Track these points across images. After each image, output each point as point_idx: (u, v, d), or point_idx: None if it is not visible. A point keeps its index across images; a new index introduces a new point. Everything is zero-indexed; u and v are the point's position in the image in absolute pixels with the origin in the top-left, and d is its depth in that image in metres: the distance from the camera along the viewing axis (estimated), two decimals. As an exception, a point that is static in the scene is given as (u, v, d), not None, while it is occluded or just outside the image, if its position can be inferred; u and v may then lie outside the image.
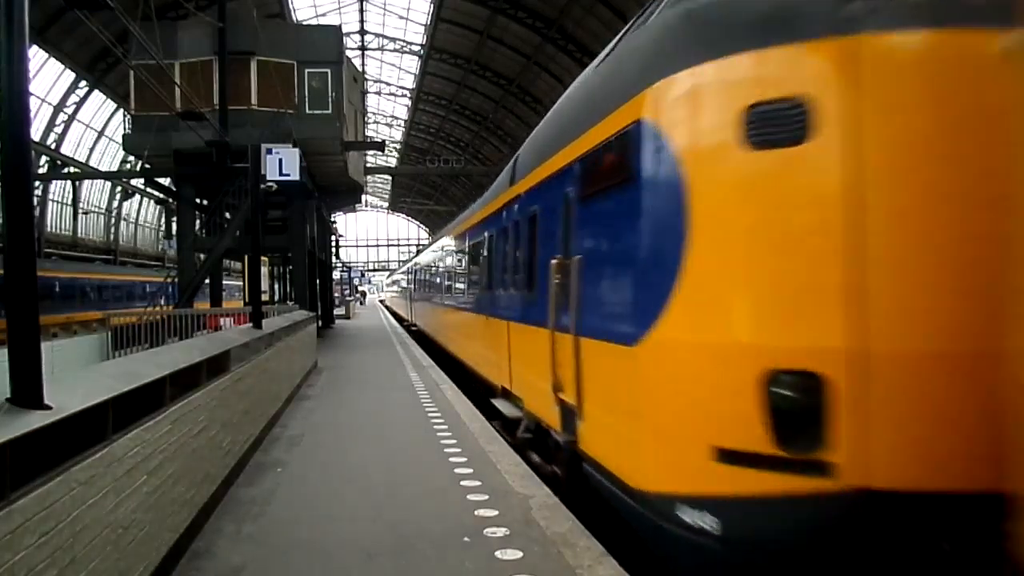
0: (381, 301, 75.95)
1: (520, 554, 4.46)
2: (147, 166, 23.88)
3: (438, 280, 18.83)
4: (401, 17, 41.57)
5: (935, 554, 3.23)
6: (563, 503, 5.53)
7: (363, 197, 50.99)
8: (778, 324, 3.56)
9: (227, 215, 20.53)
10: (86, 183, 41.13)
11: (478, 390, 10.87)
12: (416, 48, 44.00)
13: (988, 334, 3.00)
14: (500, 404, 8.82)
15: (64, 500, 2.88)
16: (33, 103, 3.74)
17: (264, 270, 24.62)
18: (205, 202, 22.20)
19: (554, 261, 5.83)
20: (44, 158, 34.00)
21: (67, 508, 2.90)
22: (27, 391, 2.92)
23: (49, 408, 2.92)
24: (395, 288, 51.20)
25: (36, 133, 32.72)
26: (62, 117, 35.12)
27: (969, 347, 3.22)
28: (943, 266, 3.31)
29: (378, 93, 52.76)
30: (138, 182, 41.18)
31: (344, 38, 25.99)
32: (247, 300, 17.59)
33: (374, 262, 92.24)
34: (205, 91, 19.40)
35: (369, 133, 50.83)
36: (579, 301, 5.21)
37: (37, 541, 2.64)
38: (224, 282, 26.27)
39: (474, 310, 11.44)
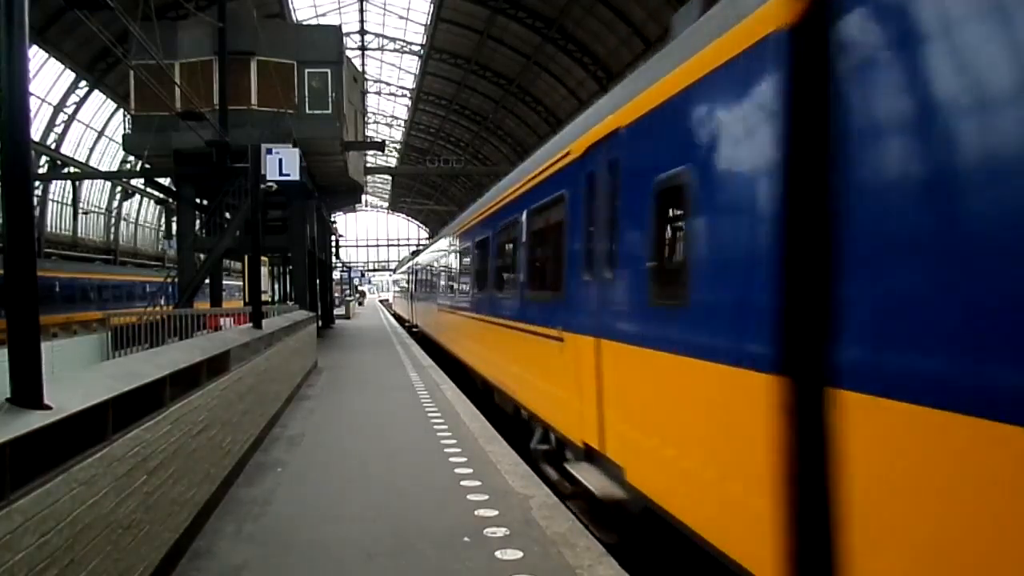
0: (383, 302, 73.61)
1: (520, 554, 4.46)
2: (147, 166, 23.88)
3: None
4: (401, 17, 41.63)
5: None
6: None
7: (363, 197, 50.94)
8: None
9: (227, 215, 20.53)
10: (86, 183, 41.14)
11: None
12: (416, 48, 44.01)
13: None
14: None
15: (64, 500, 2.87)
16: (33, 103, 3.75)
17: (264, 270, 24.61)
18: (205, 202, 22.20)
19: None
20: (44, 158, 33.99)
21: (67, 508, 2.90)
22: (27, 391, 2.92)
23: (49, 408, 2.92)
24: (430, 270, 20.41)
25: (36, 133, 32.72)
26: (62, 117, 35.11)
27: None
28: None
29: (378, 93, 52.77)
30: (138, 182, 41.20)
31: (344, 38, 25.98)
32: (247, 300, 17.58)
33: (374, 262, 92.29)
34: (205, 91, 19.41)
35: (369, 133, 50.83)
36: None
37: (37, 541, 2.64)
38: (224, 282, 26.25)
39: None
